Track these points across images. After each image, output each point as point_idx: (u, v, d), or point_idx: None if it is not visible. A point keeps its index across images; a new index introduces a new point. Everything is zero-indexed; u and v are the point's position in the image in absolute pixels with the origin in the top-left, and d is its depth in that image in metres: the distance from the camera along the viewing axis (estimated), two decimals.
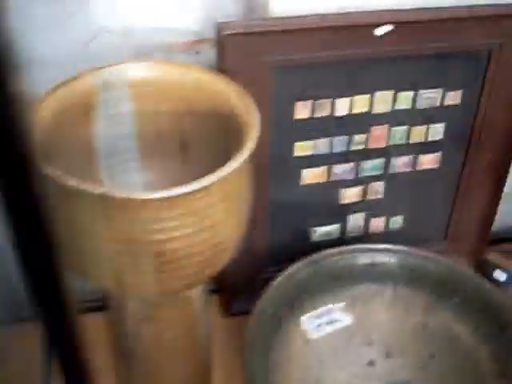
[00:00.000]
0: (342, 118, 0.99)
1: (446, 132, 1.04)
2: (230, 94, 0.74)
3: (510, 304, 0.98)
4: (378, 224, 1.11)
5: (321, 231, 1.08)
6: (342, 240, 1.09)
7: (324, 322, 1.04)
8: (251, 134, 0.66)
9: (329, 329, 1.05)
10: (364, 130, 1.01)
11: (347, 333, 1.04)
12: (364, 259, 1.05)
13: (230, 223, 0.68)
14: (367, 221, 1.10)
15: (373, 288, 1.06)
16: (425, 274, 1.05)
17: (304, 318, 1.03)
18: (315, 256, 1.01)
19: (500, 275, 1.15)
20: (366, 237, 1.11)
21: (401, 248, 1.05)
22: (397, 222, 1.11)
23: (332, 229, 1.09)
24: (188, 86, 0.77)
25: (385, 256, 1.05)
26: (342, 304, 1.05)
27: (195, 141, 0.80)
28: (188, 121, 0.78)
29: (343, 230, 1.09)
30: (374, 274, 1.05)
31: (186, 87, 0.77)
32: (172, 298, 0.75)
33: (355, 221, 1.09)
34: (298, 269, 1.01)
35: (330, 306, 1.05)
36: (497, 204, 1.11)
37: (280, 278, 0.99)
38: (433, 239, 1.16)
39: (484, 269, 1.17)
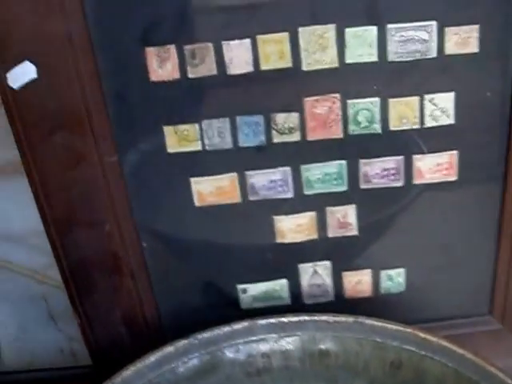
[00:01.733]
0: (242, 78, 0.52)
1: (460, 109, 0.54)
2: None
3: None
4: (358, 283, 0.61)
5: (254, 291, 0.60)
6: (293, 308, 0.61)
7: None
8: None
9: None
10: (292, 104, 0.53)
11: None
12: (301, 344, 0.57)
13: None
14: (337, 276, 0.60)
15: None
16: (427, 378, 0.54)
17: None
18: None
19: None
20: (339, 304, 0.62)
21: (382, 325, 0.56)
22: (395, 280, 0.61)
23: (272, 287, 0.61)
24: None
25: (349, 339, 0.56)
26: None
27: None
28: None
29: (295, 290, 0.61)
30: (325, 371, 0.56)
31: None
32: None
33: (313, 276, 0.60)
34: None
35: None
36: None
37: None
38: (465, 313, 0.63)
39: None
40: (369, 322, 0.55)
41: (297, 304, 0.63)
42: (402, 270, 0.62)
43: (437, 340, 0.53)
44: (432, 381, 0.54)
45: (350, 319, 0.56)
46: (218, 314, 0.59)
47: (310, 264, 0.61)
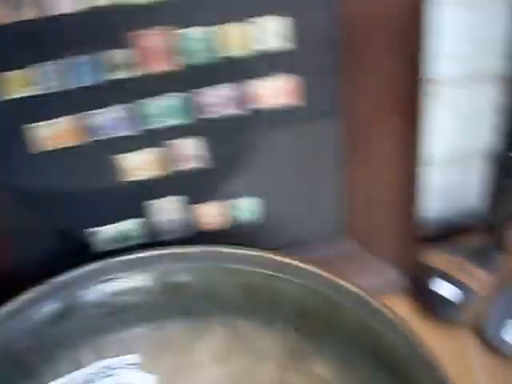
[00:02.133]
0: (68, 17, 0.49)
1: (298, 33, 0.53)
2: None
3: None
4: (212, 216, 0.60)
5: (106, 233, 0.59)
6: (150, 246, 0.59)
7: None
8: None
9: None
10: (123, 39, 0.51)
11: None
12: (155, 278, 0.56)
13: None
14: (190, 211, 0.59)
15: (187, 325, 0.56)
16: (283, 299, 0.54)
17: None
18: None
19: (442, 287, 0.63)
20: (196, 238, 0.61)
21: (237, 251, 0.56)
22: (249, 209, 0.61)
23: (125, 228, 0.59)
24: None
25: (204, 269, 0.56)
26: (131, 357, 0.56)
27: None
28: None
29: (148, 228, 0.59)
30: (180, 303, 0.55)
31: None
32: None
33: (165, 212, 0.59)
34: None
35: (104, 361, 0.56)
36: (415, 168, 0.59)
37: None
38: (323, 237, 0.64)
39: (419, 279, 0.65)
40: (224, 249, 0.55)
41: (152, 242, 0.62)
42: (255, 200, 0.62)
43: (294, 262, 0.54)
44: (290, 303, 0.54)
45: (204, 248, 0.55)
46: (74, 261, 0.57)
47: (161, 200, 0.60)
